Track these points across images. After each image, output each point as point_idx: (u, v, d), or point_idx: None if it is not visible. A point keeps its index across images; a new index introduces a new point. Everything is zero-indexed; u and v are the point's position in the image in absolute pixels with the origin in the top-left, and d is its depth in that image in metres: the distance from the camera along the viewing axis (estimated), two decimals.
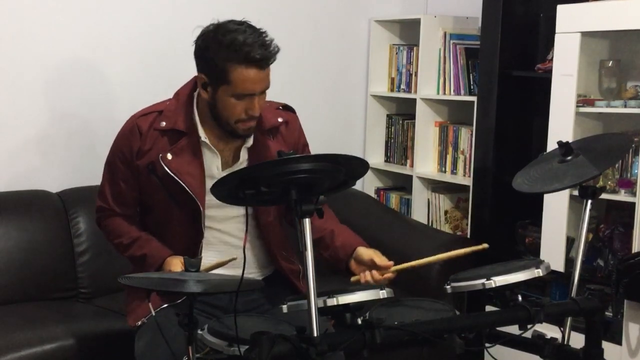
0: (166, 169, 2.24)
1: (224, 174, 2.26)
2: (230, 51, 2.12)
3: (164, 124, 2.28)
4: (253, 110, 2.19)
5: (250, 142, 2.32)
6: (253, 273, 2.38)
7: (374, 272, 2.25)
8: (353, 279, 2.29)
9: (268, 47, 2.15)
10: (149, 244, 2.32)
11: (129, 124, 2.34)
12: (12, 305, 2.90)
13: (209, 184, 2.24)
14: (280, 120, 2.38)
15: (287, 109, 2.46)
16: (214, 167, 2.30)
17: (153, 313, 2.09)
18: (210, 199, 2.22)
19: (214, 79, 2.18)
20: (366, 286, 1.93)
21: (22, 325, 2.71)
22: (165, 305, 2.24)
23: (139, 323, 2.28)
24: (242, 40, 2.12)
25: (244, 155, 2.33)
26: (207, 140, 2.28)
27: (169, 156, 2.25)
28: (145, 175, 2.29)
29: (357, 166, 1.85)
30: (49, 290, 3.04)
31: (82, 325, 2.76)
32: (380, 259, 2.27)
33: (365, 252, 2.30)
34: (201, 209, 2.26)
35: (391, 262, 2.26)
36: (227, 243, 2.34)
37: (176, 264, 2.19)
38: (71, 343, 2.63)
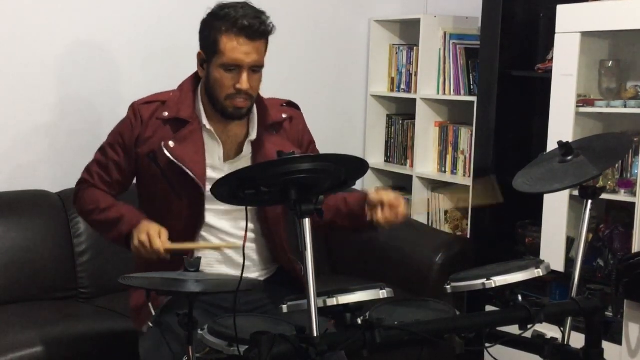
0: (168, 155, 2.23)
1: (226, 165, 2.28)
2: (223, 22, 2.18)
3: (166, 114, 2.29)
4: (241, 83, 2.20)
5: (254, 135, 2.31)
6: (255, 273, 2.37)
7: (386, 209, 2.26)
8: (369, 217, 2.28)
9: (258, 19, 2.19)
10: (127, 207, 2.29)
11: (131, 110, 2.35)
12: (12, 305, 2.90)
13: (210, 173, 2.25)
14: (284, 116, 2.38)
15: (291, 105, 2.46)
16: (216, 156, 2.30)
17: (152, 312, 2.09)
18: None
19: (207, 52, 2.23)
20: (366, 286, 1.92)
21: (22, 325, 2.70)
22: (165, 302, 2.24)
23: (145, 329, 2.28)
24: (235, 13, 2.18)
25: (247, 149, 2.32)
26: (211, 128, 2.28)
27: (172, 143, 2.25)
28: (146, 164, 2.28)
29: (356, 166, 1.84)
30: (49, 290, 3.04)
31: (82, 325, 2.76)
32: (389, 198, 2.26)
33: (375, 196, 2.28)
34: (204, 192, 2.25)
35: (401, 200, 2.27)
36: (225, 241, 2.33)
37: (148, 227, 2.16)
38: (71, 343, 2.63)
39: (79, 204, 2.41)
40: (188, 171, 2.23)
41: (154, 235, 2.14)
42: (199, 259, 1.90)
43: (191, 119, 2.28)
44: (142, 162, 2.30)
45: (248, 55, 2.19)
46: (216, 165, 2.28)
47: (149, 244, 2.14)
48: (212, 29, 2.20)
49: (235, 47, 2.18)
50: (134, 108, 2.34)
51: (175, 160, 2.23)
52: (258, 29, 2.19)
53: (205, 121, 2.28)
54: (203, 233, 2.31)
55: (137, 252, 2.18)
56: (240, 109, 2.24)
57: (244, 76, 2.20)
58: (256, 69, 2.22)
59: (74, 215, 3.14)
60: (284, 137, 2.35)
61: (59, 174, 3.30)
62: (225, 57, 2.18)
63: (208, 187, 2.23)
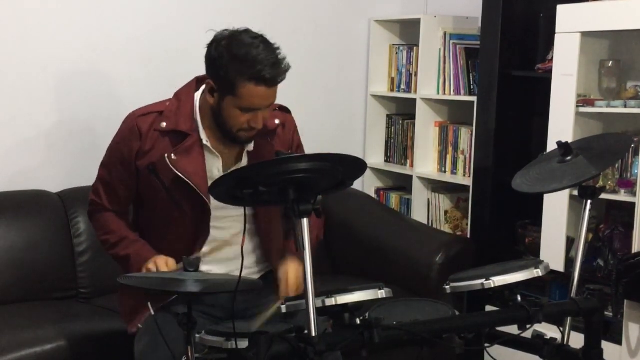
0: (173, 169, 2.24)
1: None
2: (243, 66, 2.13)
3: (164, 125, 2.28)
4: (256, 123, 2.21)
5: (251, 146, 2.33)
6: (250, 268, 2.39)
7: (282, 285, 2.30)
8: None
9: (279, 66, 2.16)
10: (134, 245, 2.32)
11: (128, 123, 2.34)
12: (12, 305, 2.90)
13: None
14: (277, 122, 2.39)
15: (283, 109, 2.47)
16: (215, 169, 2.31)
17: (152, 311, 2.09)
18: (212, 199, 2.22)
19: (222, 88, 2.19)
20: (365, 286, 1.92)
21: (22, 325, 2.70)
22: (162, 305, 2.25)
23: (140, 326, 2.29)
24: (255, 56, 2.13)
25: (245, 159, 2.34)
26: (208, 143, 2.29)
27: (174, 157, 2.25)
28: (145, 175, 2.29)
29: (354, 166, 1.85)
30: (49, 290, 3.04)
31: (82, 325, 2.76)
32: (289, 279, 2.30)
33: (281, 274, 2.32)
34: (210, 207, 2.27)
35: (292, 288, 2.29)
36: (225, 241, 2.35)
37: (161, 262, 2.20)
38: (71, 343, 2.63)
39: (94, 228, 2.45)
40: (194, 186, 2.24)
41: (161, 264, 2.18)
42: (198, 259, 1.91)
43: (190, 132, 2.28)
44: (141, 174, 2.31)
45: (266, 100, 2.19)
46: (215, 177, 2.27)
47: (155, 269, 2.18)
48: (229, 70, 2.15)
49: (254, 95, 2.16)
50: (131, 121, 2.32)
51: (180, 175, 2.24)
52: (280, 76, 2.17)
53: (203, 135, 2.28)
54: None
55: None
56: (251, 138, 2.28)
57: (260, 117, 2.21)
58: (271, 104, 2.24)
59: (74, 215, 3.14)
60: (277, 143, 2.37)
61: (59, 174, 3.31)
62: (243, 101, 2.17)
63: (211, 200, 2.25)
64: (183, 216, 2.29)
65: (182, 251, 2.25)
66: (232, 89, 2.16)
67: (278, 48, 2.19)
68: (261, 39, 2.18)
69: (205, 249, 2.33)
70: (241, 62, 2.13)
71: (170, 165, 2.23)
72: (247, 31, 2.20)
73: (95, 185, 2.42)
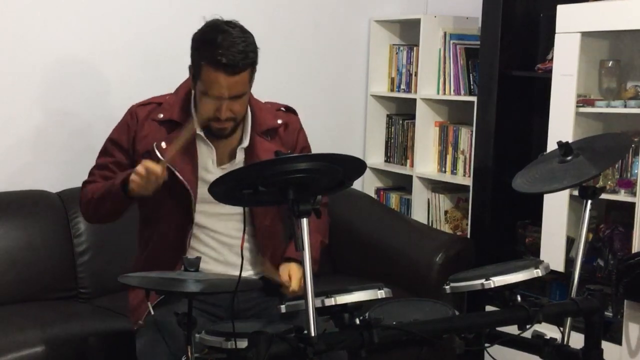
0: (159, 156, 2.24)
1: (218, 170, 2.29)
2: (205, 49, 2.15)
3: (161, 115, 2.31)
4: (219, 113, 2.20)
5: (246, 142, 2.32)
6: (250, 271, 2.39)
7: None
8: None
9: (240, 55, 2.13)
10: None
11: (127, 112, 2.39)
12: (12, 305, 2.90)
13: (203, 175, 2.27)
14: (279, 122, 2.39)
15: (289, 110, 2.47)
16: (209, 160, 2.31)
17: (151, 311, 2.09)
18: (202, 192, 2.22)
19: (193, 72, 2.24)
20: (364, 286, 1.92)
21: (22, 325, 2.70)
22: (161, 298, 2.25)
23: (141, 322, 2.29)
24: (219, 41, 2.13)
25: (240, 155, 2.34)
26: (202, 134, 2.30)
27: (163, 144, 2.26)
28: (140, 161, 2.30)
29: (354, 166, 1.85)
30: (49, 290, 3.03)
31: (82, 325, 2.76)
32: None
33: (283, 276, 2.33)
34: (192, 197, 2.27)
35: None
36: (219, 241, 2.35)
37: (147, 162, 2.13)
38: (71, 343, 2.63)
39: (81, 202, 2.42)
40: (177, 173, 2.24)
41: (147, 163, 2.13)
42: (199, 258, 1.91)
43: (183, 122, 2.28)
44: (138, 161, 2.30)
45: (228, 89, 2.16)
46: (209, 169, 2.29)
47: (144, 171, 2.12)
48: (196, 53, 2.19)
49: (213, 81, 2.15)
50: (131, 110, 2.38)
51: (166, 163, 2.24)
52: (238, 64, 2.13)
53: (197, 125, 2.29)
54: (196, 233, 2.32)
55: (138, 188, 2.15)
56: (222, 129, 2.26)
57: (224, 107, 2.19)
58: (238, 96, 2.20)
59: (74, 215, 3.14)
60: (278, 143, 2.35)
61: (59, 174, 3.30)
62: (205, 86, 2.17)
63: (199, 189, 2.26)
64: (172, 206, 2.30)
65: (173, 243, 2.27)
66: (198, 73, 2.19)
67: (248, 39, 2.16)
68: (237, 28, 2.18)
69: (194, 244, 2.32)
70: (204, 46, 2.16)
71: (157, 152, 2.24)
72: (229, 21, 2.21)
73: (90, 170, 2.42)
